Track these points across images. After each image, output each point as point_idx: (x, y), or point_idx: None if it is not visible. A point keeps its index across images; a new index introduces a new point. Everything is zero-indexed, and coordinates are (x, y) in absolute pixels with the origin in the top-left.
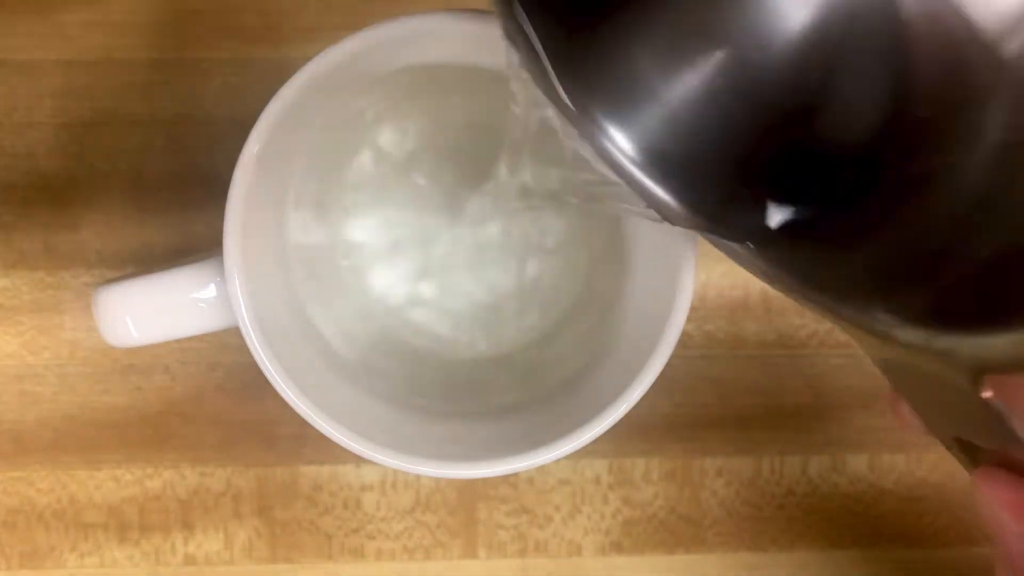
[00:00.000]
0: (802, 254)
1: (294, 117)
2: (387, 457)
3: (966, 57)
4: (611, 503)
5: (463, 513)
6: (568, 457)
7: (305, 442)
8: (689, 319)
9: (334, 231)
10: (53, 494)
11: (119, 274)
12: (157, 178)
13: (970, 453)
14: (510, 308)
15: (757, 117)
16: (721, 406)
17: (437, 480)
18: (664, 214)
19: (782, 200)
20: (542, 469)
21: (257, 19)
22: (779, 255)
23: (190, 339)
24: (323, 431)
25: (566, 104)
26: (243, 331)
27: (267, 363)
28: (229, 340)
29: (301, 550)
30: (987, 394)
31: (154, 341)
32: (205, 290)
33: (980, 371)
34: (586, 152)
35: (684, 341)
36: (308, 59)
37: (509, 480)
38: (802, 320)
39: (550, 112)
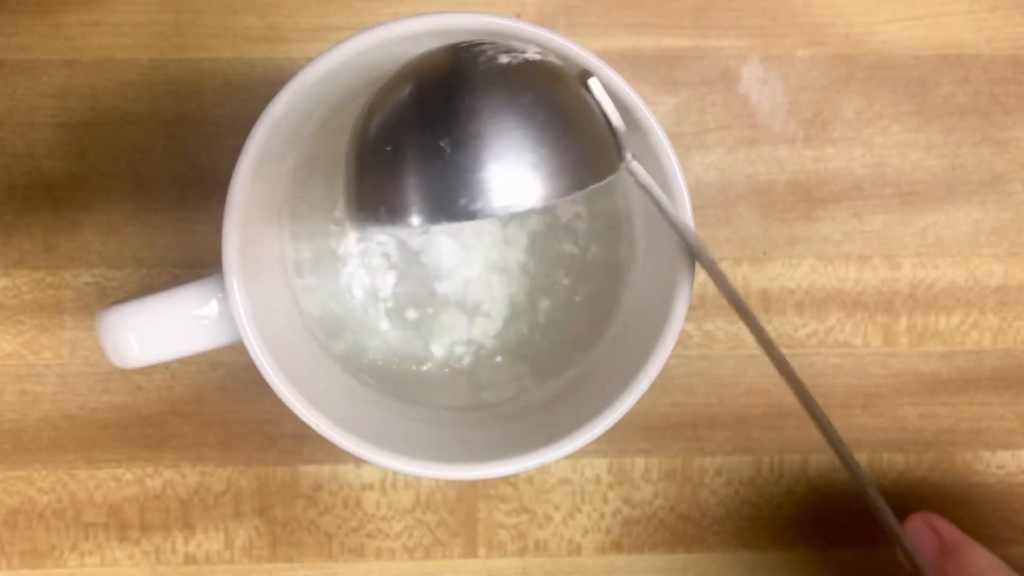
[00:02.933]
0: None
1: (293, 121)
2: (392, 461)
3: None
4: (611, 502)
5: (463, 512)
6: (568, 456)
7: (305, 441)
8: (688, 319)
9: (333, 238)
10: (54, 493)
11: (120, 273)
12: (158, 178)
13: None
14: (510, 309)
15: None
16: (720, 405)
17: (437, 480)
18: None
19: None
20: (542, 468)
21: (257, 19)
22: None
23: None
24: (332, 439)
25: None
26: (247, 345)
27: (272, 375)
28: None
29: (301, 549)
30: None
31: (160, 360)
32: (207, 307)
33: None
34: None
35: (683, 341)
36: (308, 59)
37: (509, 480)
38: (802, 319)
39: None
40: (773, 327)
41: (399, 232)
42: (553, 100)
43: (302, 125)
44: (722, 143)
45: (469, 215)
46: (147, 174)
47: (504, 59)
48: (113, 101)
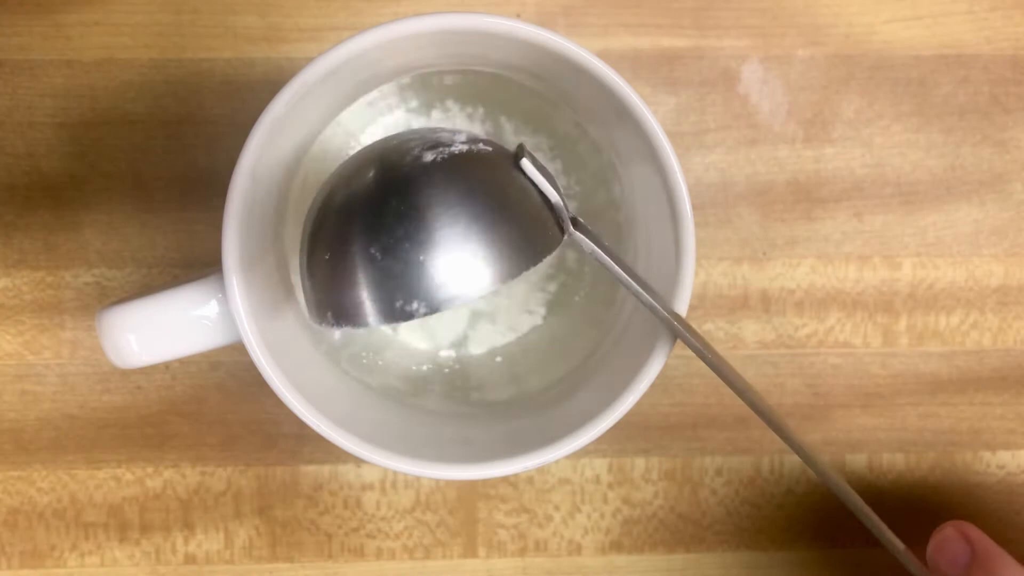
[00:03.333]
0: None
1: (293, 121)
2: (392, 461)
3: None
4: (611, 502)
5: (463, 512)
6: (568, 456)
7: (305, 441)
8: (688, 318)
9: None
10: (54, 493)
11: (120, 273)
12: (157, 178)
13: None
14: (510, 310)
15: None
16: (720, 405)
17: (437, 480)
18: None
19: None
20: (542, 468)
21: (257, 19)
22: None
23: None
24: (332, 439)
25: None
26: (247, 345)
27: (272, 375)
28: None
29: (301, 549)
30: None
31: (160, 360)
32: (207, 307)
33: None
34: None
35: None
36: (308, 59)
37: (509, 479)
38: (802, 320)
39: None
40: (773, 327)
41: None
42: (481, 190)
43: (302, 125)
44: (722, 143)
45: (408, 316)
46: (147, 174)
47: (428, 156)
48: (113, 101)
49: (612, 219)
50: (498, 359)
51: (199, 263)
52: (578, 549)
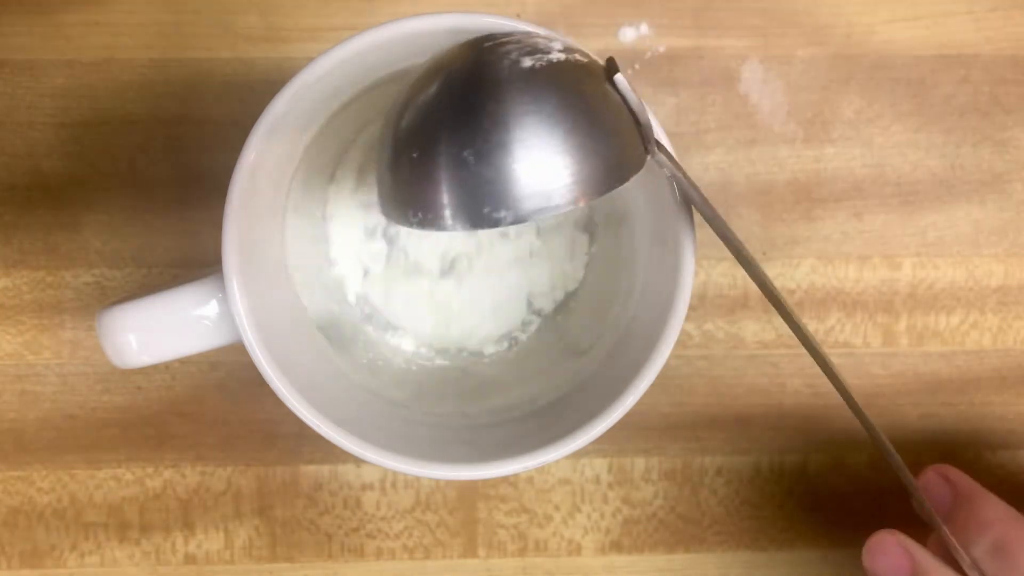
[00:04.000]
0: None
1: (292, 121)
2: (392, 461)
3: None
4: (611, 502)
5: (463, 512)
6: (568, 456)
7: (305, 441)
8: (688, 318)
9: (330, 239)
10: (54, 493)
11: (120, 273)
12: (157, 178)
13: None
14: (510, 309)
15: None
16: (720, 405)
17: (437, 479)
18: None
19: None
20: (542, 468)
21: (257, 19)
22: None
23: None
24: (332, 440)
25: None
26: (247, 345)
27: (272, 375)
28: None
29: (301, 549)
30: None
31: (160, 360)
32: (207, 307)
33: None
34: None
35: (683, 341)
36: (308, 59)
37: (509, 479)
38: (802, 320)
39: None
40: (774, 327)
41: (433, 234)
42: (578, 103)
43: (302, 125)
44: (722, 143)
45: (495, 223)
46: (147, 174)
47: (528, 62)
48: (113, 101)
49: (613, 218)
50: (501, 360)
51: (199, 263)
52: (578, 549)
